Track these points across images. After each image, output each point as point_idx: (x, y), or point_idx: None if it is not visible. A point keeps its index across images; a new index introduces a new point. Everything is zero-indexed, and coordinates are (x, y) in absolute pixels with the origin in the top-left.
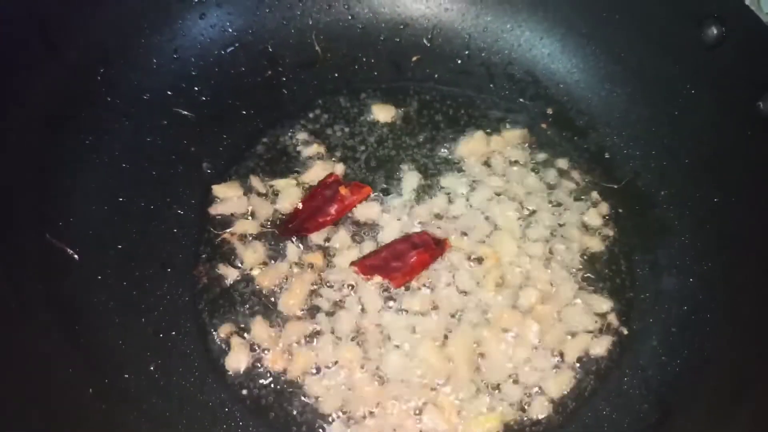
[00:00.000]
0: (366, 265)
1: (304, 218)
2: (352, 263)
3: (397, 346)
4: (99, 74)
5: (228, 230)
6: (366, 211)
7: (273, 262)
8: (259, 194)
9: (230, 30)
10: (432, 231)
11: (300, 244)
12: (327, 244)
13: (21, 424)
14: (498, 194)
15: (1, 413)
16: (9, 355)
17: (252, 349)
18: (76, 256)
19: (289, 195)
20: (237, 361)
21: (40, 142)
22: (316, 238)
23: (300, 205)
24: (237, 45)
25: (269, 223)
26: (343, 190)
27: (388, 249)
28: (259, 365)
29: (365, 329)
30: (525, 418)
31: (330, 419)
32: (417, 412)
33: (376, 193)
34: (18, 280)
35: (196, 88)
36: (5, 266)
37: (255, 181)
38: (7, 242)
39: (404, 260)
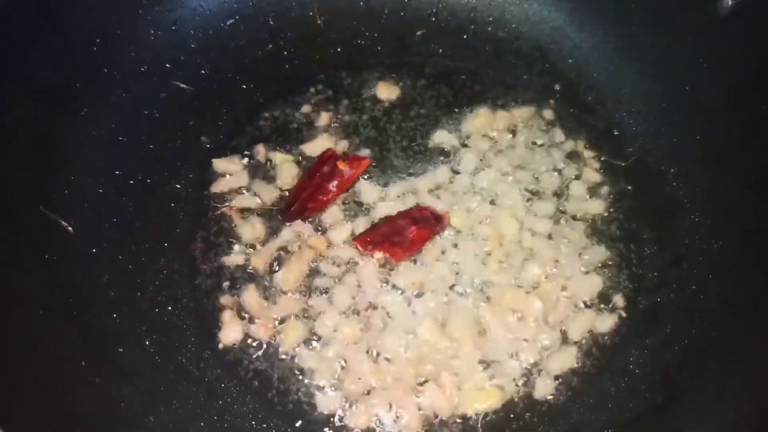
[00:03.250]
0: (366, 241)
1: (306, 198)
2: (354, 240)
3: (397, 323)
4: (96, 45)
5: (227, 204)
6: (366, 187)
7: (271, 239)
8: (259, 169)
9: (230, 1)
10: (433, 206)
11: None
12: (323, 221)
13: (12, 396)
14: (503, 170)
15: None
16: (1, 328)
17: (247, 324)
18: (70, 228)
19: (287, 170)
20: (230, 334)
21: (36, 114)
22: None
23: (299, 186)
24: (237, 17)
25: (269, 199)
26: (341, 165)
27: (387, 224)
28: (255, 341)
29: (364, 306)
30: (527, 396)
31: (327, 394)
32: (416, 388)
33: (376, 167)
34: (11, 252)
35: (196, 61)
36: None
37: (255, 154)
38: (2, 214)
39: (404, 235)
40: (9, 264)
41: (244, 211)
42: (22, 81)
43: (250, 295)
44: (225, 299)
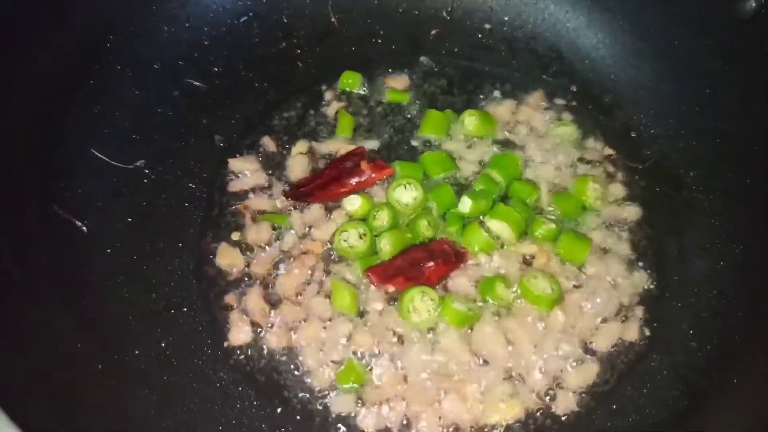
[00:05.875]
0: (379, 273)
1: (318, 185)
2: (366, 270)
3: (420, 334)
4: (108, 42)
5: (240, 203)
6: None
7: (274, 244)
8: (276, 168)
9: None
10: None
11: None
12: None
13: (26, 400)
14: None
15: (6, 389)
16: (14, 330)
17: (257, 327)
18: (84, 228)
19: (299, 164)
20: (238, 335)
21: (47, 111)
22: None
23: (316, 174)
24: (250, 15)
25: (282, 193)
26: (364, 165)
27: (403, 256)
28: (268, 345)
29: (385, 313)
30: (550, 405)
31: (344, 400)
32: (438, 399)
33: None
34: (23, 252)
35: (209, 59)
36: (10, 238)
37: (264, 146)
38: (13, 214)
39: (420, 269)
40: (22, 265)
41: (257, 211)
42: (33, 78)
43: (254, 299)
44: (230, 299)
